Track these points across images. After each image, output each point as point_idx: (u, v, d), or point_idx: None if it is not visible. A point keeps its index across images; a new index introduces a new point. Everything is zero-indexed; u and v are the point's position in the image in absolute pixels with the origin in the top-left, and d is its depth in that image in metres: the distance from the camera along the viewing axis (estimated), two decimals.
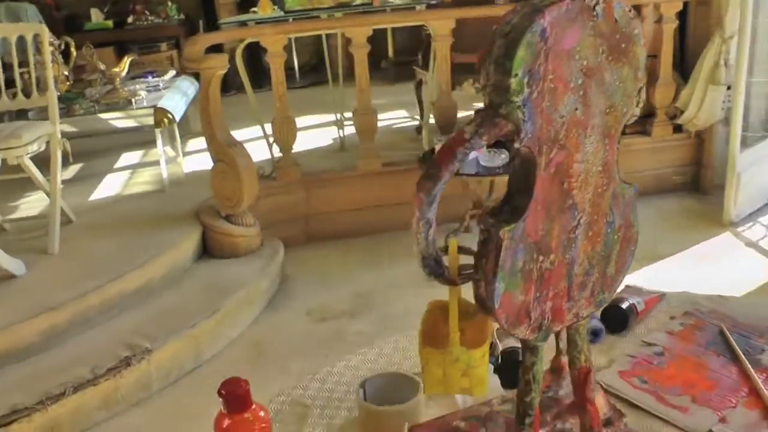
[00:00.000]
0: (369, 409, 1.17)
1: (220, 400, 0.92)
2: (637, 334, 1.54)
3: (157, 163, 4.46)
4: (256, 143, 4.03)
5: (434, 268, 0.82)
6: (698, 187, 4.44)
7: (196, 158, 4.55)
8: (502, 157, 3.80)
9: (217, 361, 3.12)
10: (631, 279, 1.41)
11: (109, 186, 4.41)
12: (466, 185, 3.98)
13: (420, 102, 5.02)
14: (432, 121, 4.53)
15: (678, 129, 4.38)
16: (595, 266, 0.88)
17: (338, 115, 4.72)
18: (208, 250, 3.68)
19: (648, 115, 4.38)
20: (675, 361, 1.28)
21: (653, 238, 3.72)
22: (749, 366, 1.26)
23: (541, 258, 0.84)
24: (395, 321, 3.31)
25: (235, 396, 0.92)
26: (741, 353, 1.30)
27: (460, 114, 4.76)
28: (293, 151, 4.09)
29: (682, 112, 4.22)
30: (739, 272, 3.36)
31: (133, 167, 4.81)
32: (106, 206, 4.03)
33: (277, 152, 4.16)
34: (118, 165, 4.87)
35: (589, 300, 0.90)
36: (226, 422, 0.93)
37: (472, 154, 3.88)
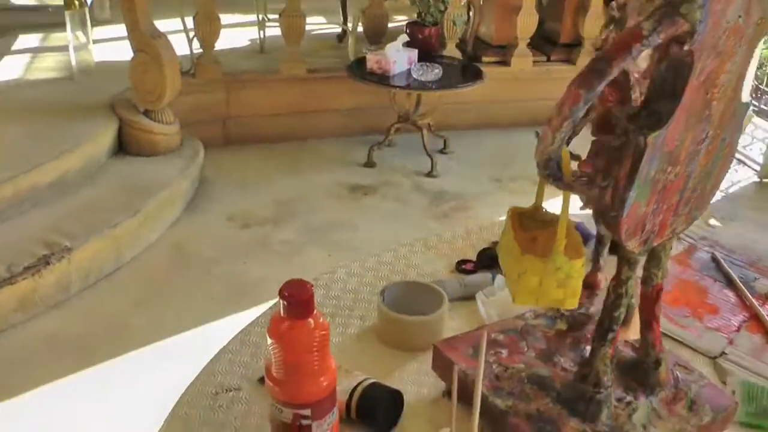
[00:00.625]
0: (394, 318, 1.13)
1: (281, 302, 0.85)
2: None
3: (60, 48, 4.13)
4: (174, 36, 3.78)
5: (555, 171, 0.78)
6: None
7: (104, 48, 4.23)
8: (435, 72, 3.76)
9: (138, 263, 3.00)
10: None
11: (7, 69, 4.05)
12: (393, 97, 3.93)
13: (344, 8, 4.86)
14: (360, 29, 4.40)
15: None
16: (700, 182, 0.88)
17: (261, 16, 4.50)
18: (124, 146, 3.48)
19: (575, 44, 4.41)
20: (677, 284, 1.32)
21: None
22: (746, 292, 1.31)
23: (669, 169, 0.82)
24: (321, 231, 3.28)
25: (299, 300, 0.85)
26: (737, 279, 1.34)
27: (391, 25, 4.65)
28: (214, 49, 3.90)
29: None
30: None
31: (35, 51, 4.43)
32: (9, 90, 3.70)
33: (196, 48, 3.94)
34: (15, 47, 4.47)
35: (687, 216, 0.90)
36: (285, 326, 0.86)
37: (403, 66, 3.82)
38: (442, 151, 4.09)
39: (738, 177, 3.99)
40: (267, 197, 3.57)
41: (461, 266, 1.40)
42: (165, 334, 2.55)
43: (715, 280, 1.35)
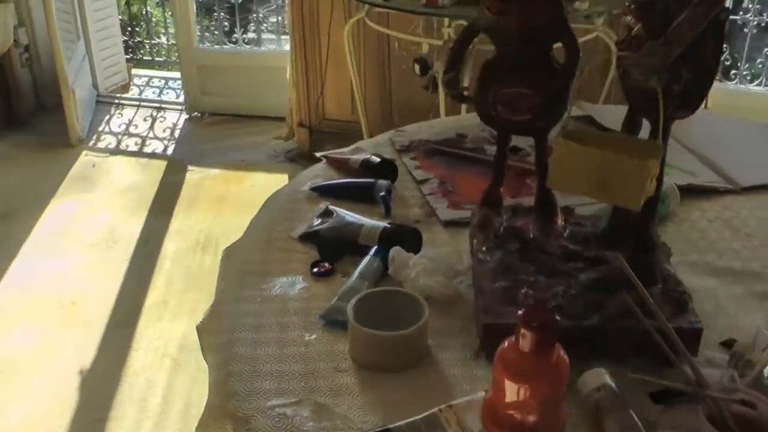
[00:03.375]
0: (368, 336, 0.98)
1: (527, 333, 0.75)
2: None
3: None
4: None
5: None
6: (14, 120, 3.97)
7: None
8: None
9: None
10: None
11: None
12: None
13: None
14: None
15: None
16: None
17: None
18: None
19: None
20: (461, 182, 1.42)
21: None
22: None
23: None
24: None
25: (549, 329, 0.74)
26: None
27: None
28: None
29: None
30: None
31: None
32: None
33: None
34: None
35: None
36: (527, 365, 0.76)
37: None
38: None
39: None
40: None
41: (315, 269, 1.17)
42: None
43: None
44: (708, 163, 1.51)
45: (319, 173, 1.46)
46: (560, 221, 1.13)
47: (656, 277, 1.02)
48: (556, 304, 0.99)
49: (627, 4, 0.89)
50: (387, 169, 1.41)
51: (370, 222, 1.24)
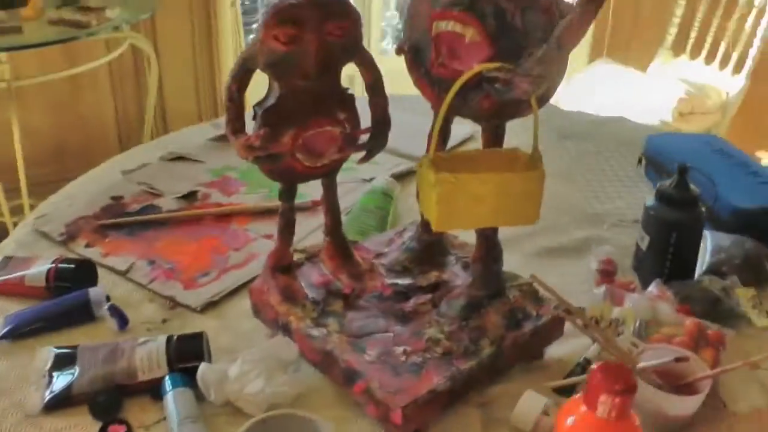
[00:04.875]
0: None
1: (607, 399, 0.62)
2: None
3: None
4: None
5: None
6: None
7: None
8: None
9: None
10: None
11: None
12: None
13: None
14: None
15: None
16: None
17: None
18: None
19: None
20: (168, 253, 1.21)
21: None
22: None
23: None
24: None
25: (631, 389, 0.58)
26: None
27: None
28: None
29: None
30: None
31: None
32: None
33: None
34: None
35: None
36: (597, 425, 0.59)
37: None
38: None
39: None
40: None
41: None
42: None
43: None
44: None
45: None
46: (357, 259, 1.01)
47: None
48: (443, 351, 0.88)
49: (443, 10, 0.79)
50: (87, 272, 1.08)
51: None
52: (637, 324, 1.00)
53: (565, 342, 0.99)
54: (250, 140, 0.80)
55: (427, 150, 0.93)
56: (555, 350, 0.98)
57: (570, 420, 0.70)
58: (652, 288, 1.08)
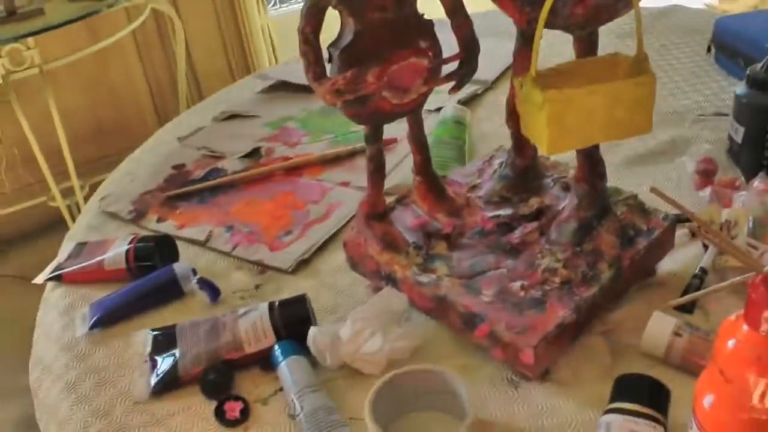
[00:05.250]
0: None
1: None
2: None
3: None
4: None
5: None
6: None
7: None
8: None
9: None
10: None
11: None
12: None
13: None
14: None
15: None
16: None
17: None
18: None
19: None
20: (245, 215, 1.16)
21: None
22: None
23: None
24: None
25: None
26: None
27: None
28: None
29: None
30: None
31: None
32: None
33: None
34: None
35: None
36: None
37: None
38: None
39: None
40: None
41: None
42: None
43: None
44: None
45: (68, 303, 1.00)
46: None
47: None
48: (561, 281, 0.82)
49: None
50: (167, 247, 1.03)
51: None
52: (750, 224, 0.93)
53: (674, 255, 0.92)
54: (337, 84, 0.73)
55: (516, 73, 0.86)
56: (665, 265, 0.92)
57: (731, 343, 0.63)
58: (758, 182, 1.00)
